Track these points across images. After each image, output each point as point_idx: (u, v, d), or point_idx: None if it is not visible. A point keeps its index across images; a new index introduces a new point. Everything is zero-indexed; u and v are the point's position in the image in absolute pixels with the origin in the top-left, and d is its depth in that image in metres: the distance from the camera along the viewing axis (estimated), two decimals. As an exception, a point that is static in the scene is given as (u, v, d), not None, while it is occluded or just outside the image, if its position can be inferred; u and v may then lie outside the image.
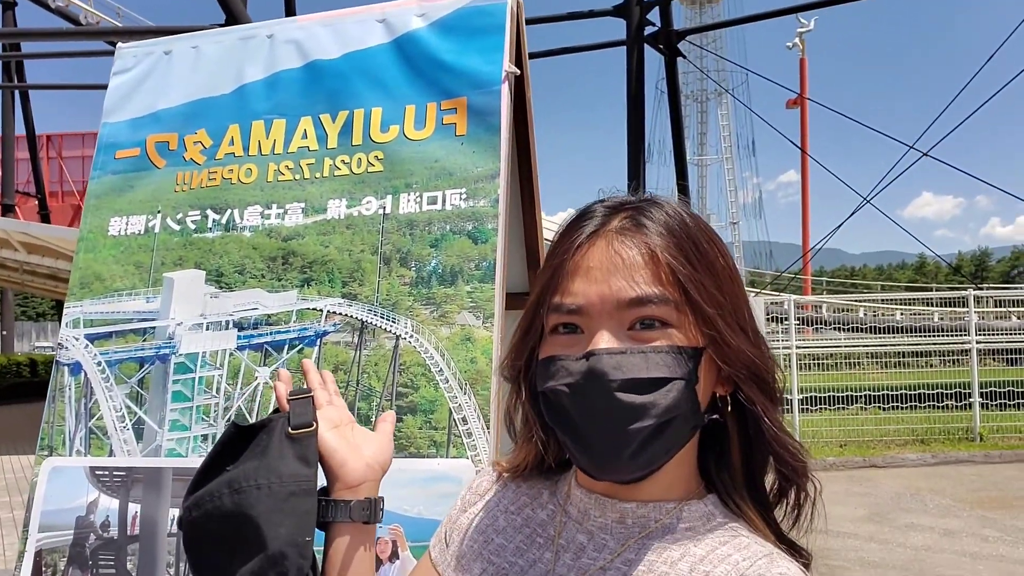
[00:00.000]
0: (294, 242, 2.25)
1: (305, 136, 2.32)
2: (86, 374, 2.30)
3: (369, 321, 2.11)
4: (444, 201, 2.15)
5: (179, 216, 2.38)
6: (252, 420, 1.02)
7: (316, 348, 2.14)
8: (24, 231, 13.12)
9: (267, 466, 0.92)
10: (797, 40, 41.76)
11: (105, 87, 2.63)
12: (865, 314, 18.29)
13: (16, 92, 23.05)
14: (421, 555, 1.13)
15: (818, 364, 13.04)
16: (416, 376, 2.04)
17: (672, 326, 0.82)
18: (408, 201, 2.18)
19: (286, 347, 2.17)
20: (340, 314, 2.14)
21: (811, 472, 0.89)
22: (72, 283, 2.41)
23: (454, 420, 1.98)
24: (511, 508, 1.00)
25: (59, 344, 2.36)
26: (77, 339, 2.34)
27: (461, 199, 2.14)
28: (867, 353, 13.58)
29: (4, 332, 27.83)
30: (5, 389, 23.76)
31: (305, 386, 1.05)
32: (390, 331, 2.09)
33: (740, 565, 0.81)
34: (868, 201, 14.17)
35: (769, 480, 0.91)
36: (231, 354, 2.20)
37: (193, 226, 2.36)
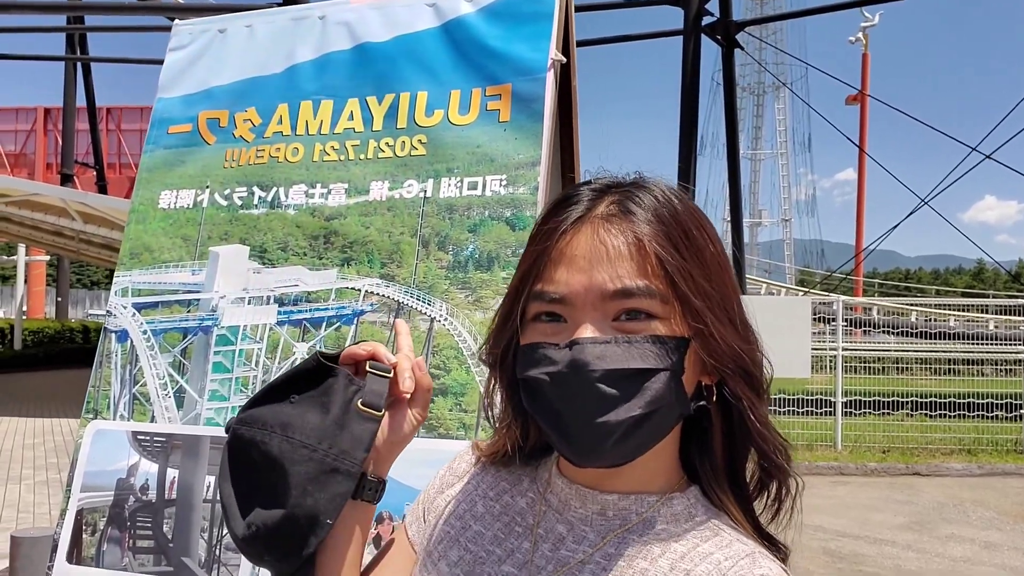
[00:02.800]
0: (336, 222, 2.28)
1: (351, 118, 2.36)
2: (132, 342, 2.37)
3: (405, 302, 2.14)
4: (484, 187, 2.17)
5: (227, 192, 2.43)
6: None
7: (353, 327, 2.17)
8: (82, 201, 13.47)
9: (324, 430, 0.88)
10: (860, 35, 40.84)
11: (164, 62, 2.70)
12: (917, 318, 17.92)
13: (78, 64, 23.62)
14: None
15: (865, 367, 12.82)
16: (449, 359, 2.06)
17: (658, 318, 0.80)
18: (449, 185, 2.20)
19: (324, 324, 2.21)
20: (377, 294, 2.18)
21: (793, 469, 0.88)
22: (122, 253, 2.48)
23: (483, 404, 2.00)
24: (490, 494, 0.98)
25: (108, 311, 2.44)
26: (125, 307, 2.41)
27: (501, 185, 2.15)
28: (916, 358, 13.30)
29: (59, 299, 28.70)
30: (59, 354, 24.51)
31: (393, 357, 0.96)
32: (425, 313, 2.12)
33: (722, 565, 0.80)
34: (926, 203, 13.85)
35: (749, 472, 0.89)
36: (271, 329, 2.25)
37: (240, 202, 2.41)
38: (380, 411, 0.92)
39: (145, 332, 2.36)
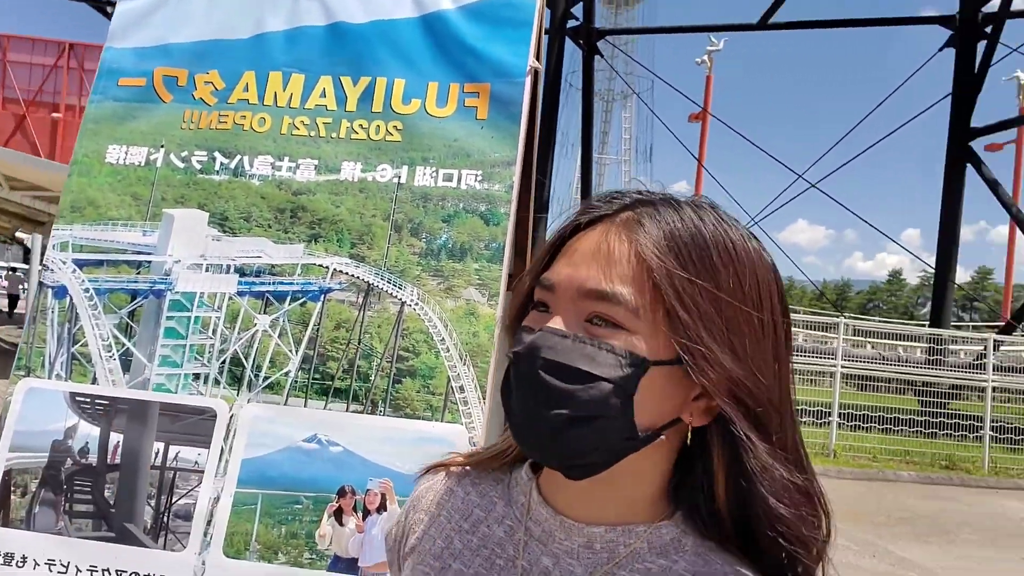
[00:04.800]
0: (304, 197, 2.29)
1: (324, 95, 2.37)
2: (72, 299, 2.27)
3: (375, 284, 2.20)
4: (460, 180, 2.26)
5: (184, 154, 2.38)
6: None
7: (319, 303, 2.20)
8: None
9: None
10: (706, 57, 43.18)
11: None
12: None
13: None
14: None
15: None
16: (418, 342, 2.14)
17: (627, 330, 0.78)
18: (424, 174, 2.27)
19: (288, 299, 2.22)
20: (346, 273, 2.22)
21: (824, 549, 0.80)
22: (62, 206, 2.37)
23: (452, 388, 2.10)
24: (465, 526, 0.93)
25: (44, 265, 2.32)
26: (64, 263, 2.30)
27: (476, 180, 2.25)
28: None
29: None
30: None
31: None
32: (396, 296, 2.18)
33: None
34: (756, 222, 14.99)
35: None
36: (231, 298, 2.24)
37: (199, 166, 2.36)
38: None
39: (88, 290, 2.27)
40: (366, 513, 2.04)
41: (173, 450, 2.11)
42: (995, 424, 12.90)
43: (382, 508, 2.04)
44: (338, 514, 2.04)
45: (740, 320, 0.79)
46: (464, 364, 2.11)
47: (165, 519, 2.08)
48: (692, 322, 0.77)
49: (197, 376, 2.18)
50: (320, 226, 2.27)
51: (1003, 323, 19.29)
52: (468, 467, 0.99)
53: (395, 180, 2.28)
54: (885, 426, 12.82)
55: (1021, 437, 13.09)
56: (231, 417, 2.12)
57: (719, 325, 0.78)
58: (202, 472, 2.08)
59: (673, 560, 0.82)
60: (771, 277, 0.82)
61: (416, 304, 2.17)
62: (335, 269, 2.22)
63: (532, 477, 0.91)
